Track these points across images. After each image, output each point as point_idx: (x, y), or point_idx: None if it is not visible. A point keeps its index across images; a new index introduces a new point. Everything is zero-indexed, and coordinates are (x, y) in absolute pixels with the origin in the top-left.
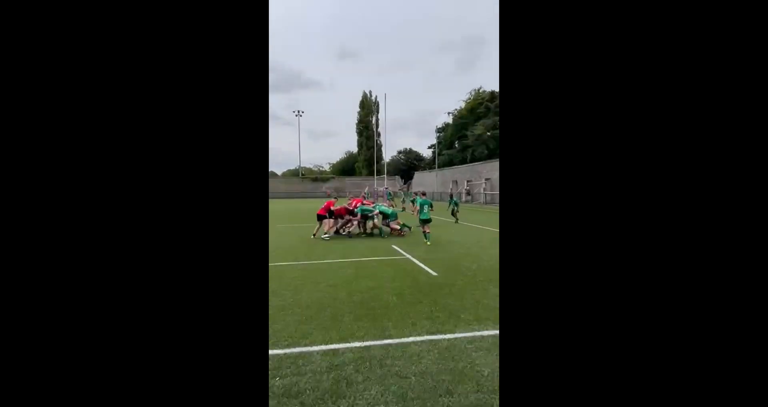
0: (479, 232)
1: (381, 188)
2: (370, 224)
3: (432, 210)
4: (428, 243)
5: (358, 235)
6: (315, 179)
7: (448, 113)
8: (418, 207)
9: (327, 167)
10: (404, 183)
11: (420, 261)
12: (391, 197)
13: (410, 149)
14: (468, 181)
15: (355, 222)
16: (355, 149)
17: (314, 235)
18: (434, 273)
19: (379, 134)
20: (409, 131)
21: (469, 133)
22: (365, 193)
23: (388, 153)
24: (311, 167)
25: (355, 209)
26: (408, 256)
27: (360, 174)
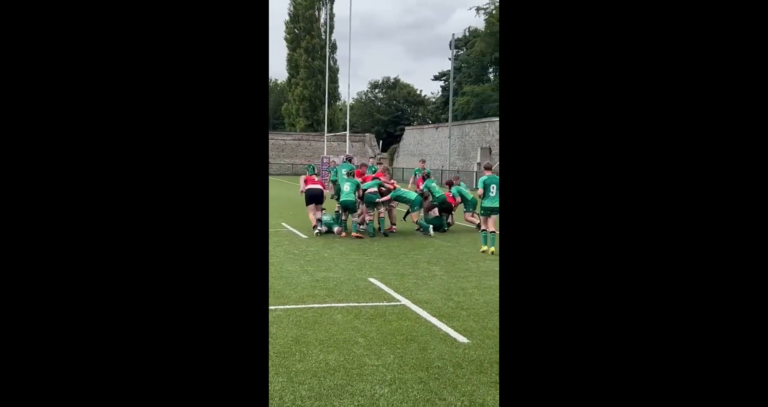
0: None
1: (337, 158)
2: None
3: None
4: (491, 251)
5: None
6: None
7: (477, 11)
8: (481, 190)
9: None
10: (381, 149)
11: (430, 312)
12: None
13: (396, 79)
14: None
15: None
16: (283, 76)
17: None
18: (462, 339)
19: (334, 47)
20: (393, 44)
21: None
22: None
23: (354, 88)
24: None
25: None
26: (403, 300)
27: (292, 128)
